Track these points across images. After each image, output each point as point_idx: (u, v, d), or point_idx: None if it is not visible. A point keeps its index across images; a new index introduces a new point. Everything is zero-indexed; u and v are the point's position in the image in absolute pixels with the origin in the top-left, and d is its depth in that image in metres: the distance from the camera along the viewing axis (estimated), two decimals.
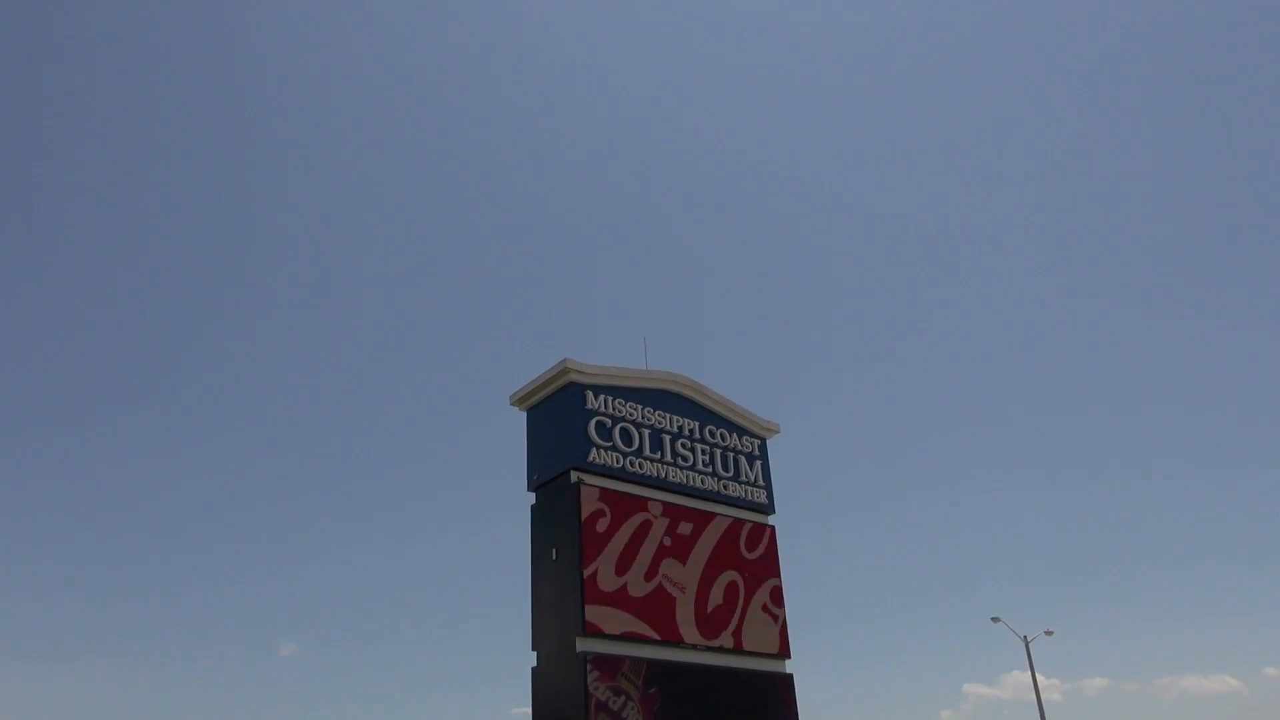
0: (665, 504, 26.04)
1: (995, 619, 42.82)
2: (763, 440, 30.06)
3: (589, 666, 21.82)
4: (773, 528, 28.74)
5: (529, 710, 22.95)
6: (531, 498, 25.56)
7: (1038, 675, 41.71)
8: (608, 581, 23.33)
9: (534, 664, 23.23)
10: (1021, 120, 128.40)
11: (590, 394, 25.70)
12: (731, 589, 26.29)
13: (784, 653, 26.69)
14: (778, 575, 27.81)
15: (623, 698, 22.18)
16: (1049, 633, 42.95)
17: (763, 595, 27.06)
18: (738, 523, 27.68)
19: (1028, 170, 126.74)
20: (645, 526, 25.12)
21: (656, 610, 24.11)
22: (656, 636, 23.73)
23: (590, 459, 24.80)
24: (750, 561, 27.29)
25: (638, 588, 23.97)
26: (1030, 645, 42.35)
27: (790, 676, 26.53)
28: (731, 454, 28.74)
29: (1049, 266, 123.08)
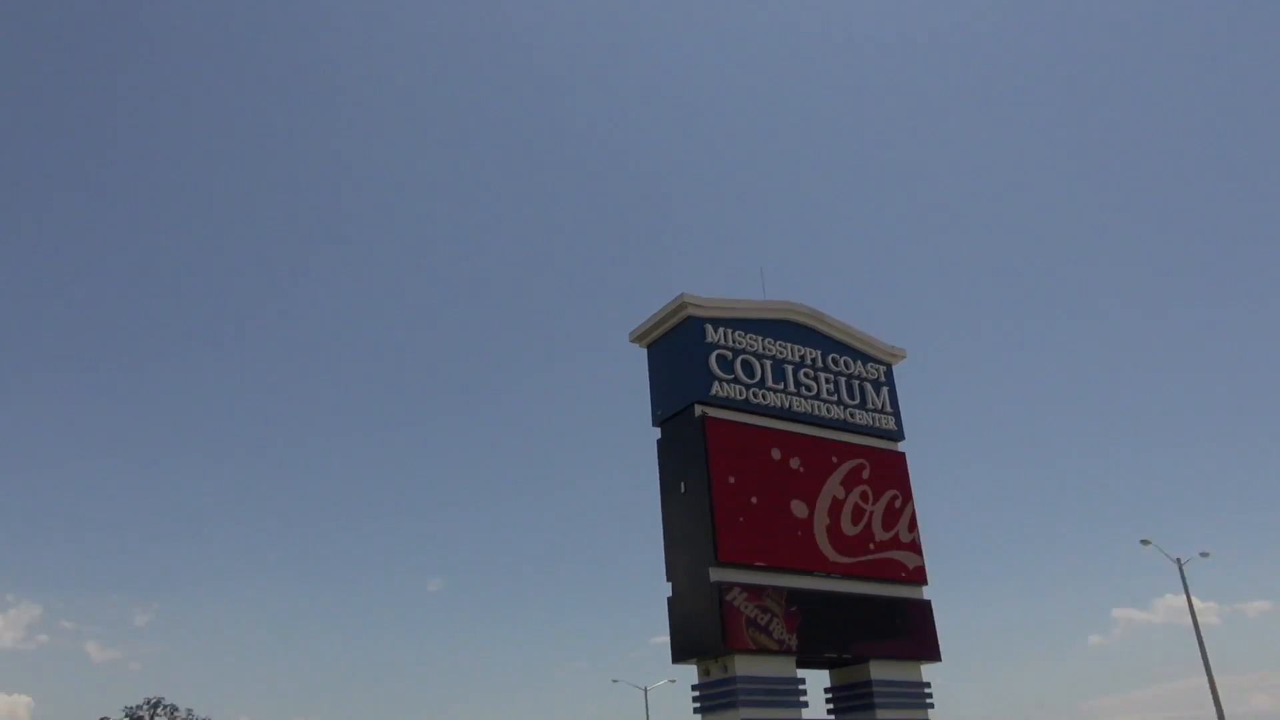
0: (791, 434, 25.87)
1: (1145, 541, 41.01)
2: (888, 366, 29.41)
3: (737, 589, 22.23)
4: (903, 454, 28.22)
5: (668, 639, 23.48)
6: (657, 433, 25.82)
7: (1193, 598, 39.90)
8: (738, 512, 23.45)
9: (669, 594, 23.67)
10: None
11: (709, 327, 25.62)
12: (863, 516, 26.03)
13: (920, 579, 26.33)
14: (910, 502, 27.35)
15: (769, 615, 22.56)
16: (1205, 554, 40.88)
17: (895, 522, 26.69)
18: (866, 450, 27.28)
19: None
20: (772, 456, 25.06)
21: (788, 538, 24.12)
22: (789, 564, 23.77)
23: (713, 392, 24.82)
24: (881, 488, 26.91)
25: (768, 517, 24.01)
26: (1184, 567, 40.50)
27: (928, 603, 26.19)
28: (856, 381, 28.25)
29: (1195, 204, 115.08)
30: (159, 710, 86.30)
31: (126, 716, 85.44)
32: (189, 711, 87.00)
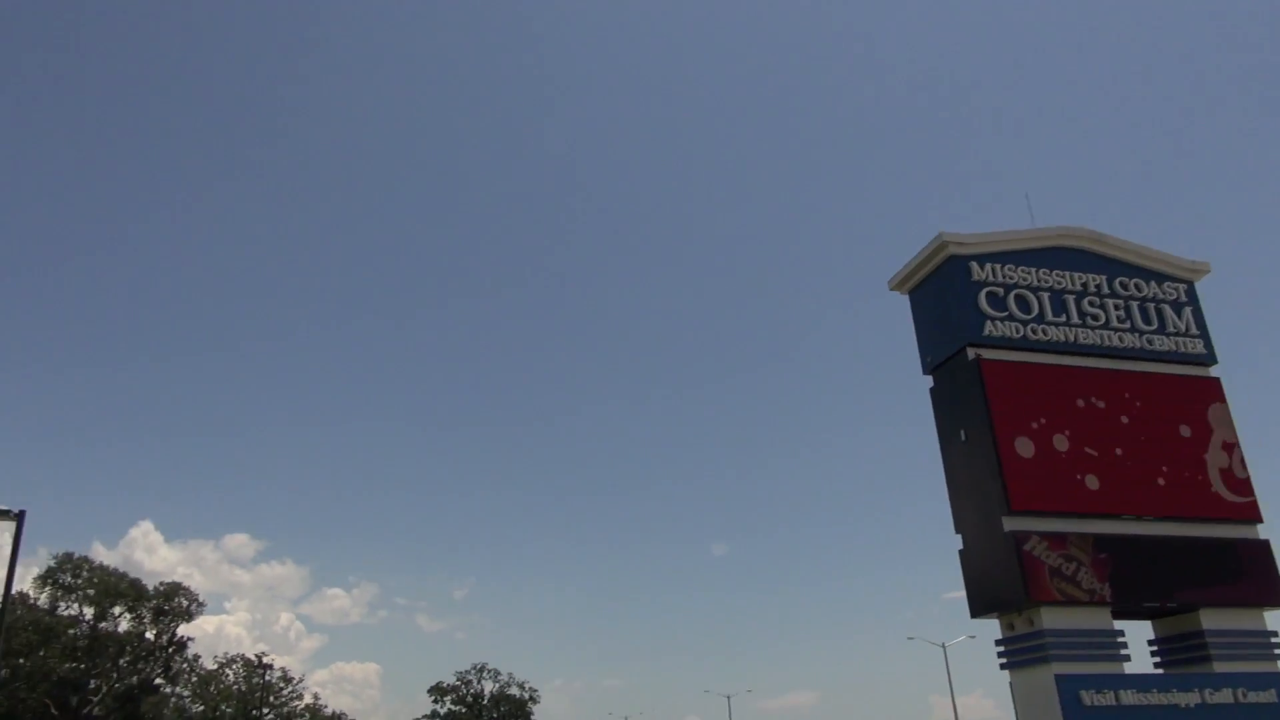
0: (1080, 368, 23.86)
1: None
2: (1189, 284, 26.26)
3: (1035, 537, 20.99)
4: (1216, 380, 25.16)
5: (961, 595, 22.55)
6: (929, 381, 24.75)
7: None
8: (1027, 456, 22.01)
9: (960, 547, 22.68)
10: None
11: (975, 265, 24.12)
12: (1173, 450, 23.51)
13: (1252, 516, 23.42)
14: (1232, 431, 24.35)
15: (1074, 564, 21.08)
16: None
17: (1215, 454, 23.88)
18: (1171, 379, 24.60)
19: None
20: (1060, 395, 23.25)
21: (1087, 480, 22.29)
22: (1092, 509, 21.99)
23: (986, 333, 23.40)
24: (1193, 419, 24.16)
25: (1062, 459, 22.33)
26: None
27: (1265, 542, 23.23)
28: (1151, 304, 25.49)
29: None
30: (484, 674, 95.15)
31: (458, 680, 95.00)
32: (509, 675, 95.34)
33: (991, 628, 22.39)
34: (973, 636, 50.51)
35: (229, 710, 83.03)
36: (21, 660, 51.05)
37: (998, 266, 24.29)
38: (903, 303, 26.05)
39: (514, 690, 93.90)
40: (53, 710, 54.69)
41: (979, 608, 22.03)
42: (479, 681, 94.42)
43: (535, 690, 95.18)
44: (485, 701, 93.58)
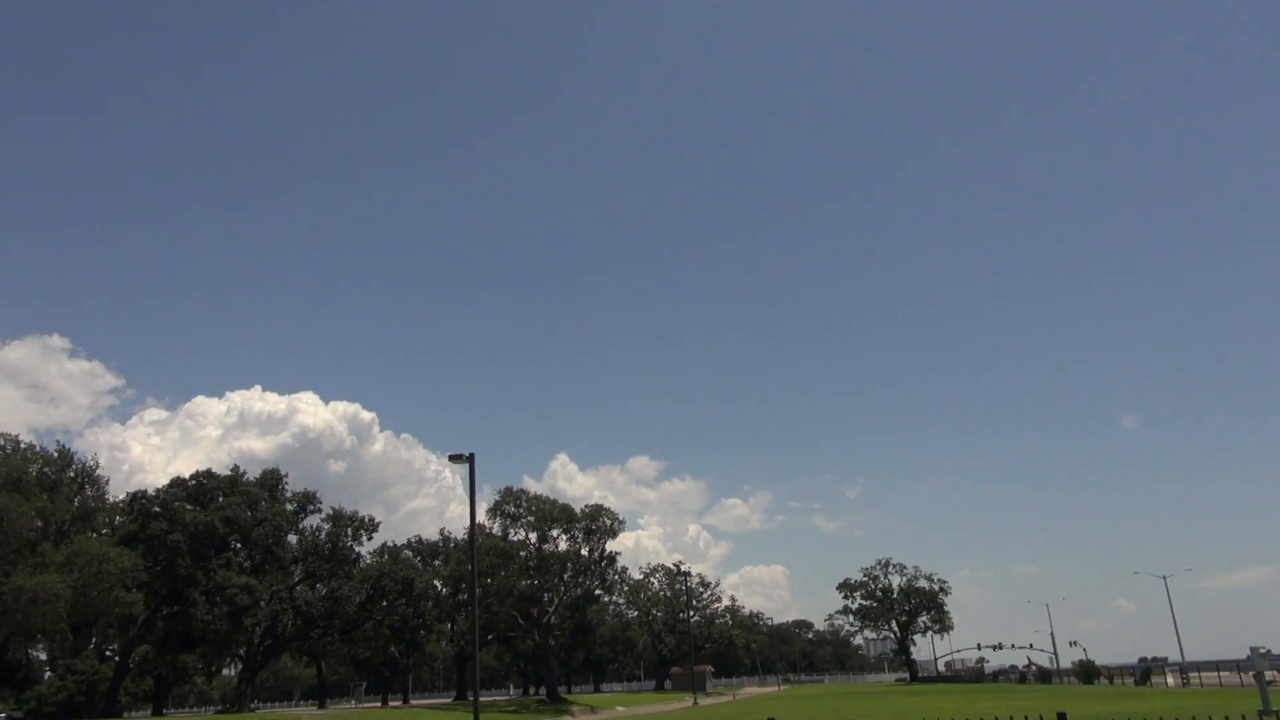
0: None
1: None
2: None
3: None
4: None
5: None
6: None
7: None
8: None
9: None
10: None
11: None
12: None
13: None
14: None
15: None
16: None
17: None
18: None
19: None
20: None
21: None
22: None
23: None
24: None
25: None
26: None
27: None
28: None
29: None
30: (890, 569, 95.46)
31: (865, 576, 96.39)
32: (915, 568, 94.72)
33: None
34: None
35: (659, 614, 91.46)
36: (489, 580, 59.84)
37: None
38: None
39: (922, 583, 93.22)
40: (519, 620, 63.70)
41: None
42: (885, 576, 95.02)
43: (945, 582, 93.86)
44: (895, 595, 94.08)
